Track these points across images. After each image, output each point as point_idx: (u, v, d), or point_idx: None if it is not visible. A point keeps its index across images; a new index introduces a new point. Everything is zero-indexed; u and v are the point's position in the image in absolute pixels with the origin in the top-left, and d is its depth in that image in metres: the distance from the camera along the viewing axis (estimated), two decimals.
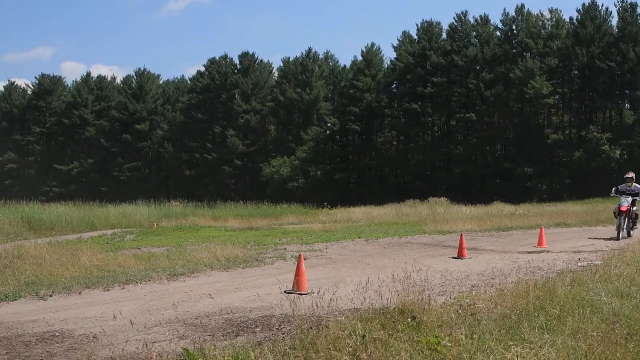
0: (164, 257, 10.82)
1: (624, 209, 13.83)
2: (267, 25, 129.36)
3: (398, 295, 5.39)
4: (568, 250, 11.31)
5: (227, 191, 55.48)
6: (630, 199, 14.06)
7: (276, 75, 64.87)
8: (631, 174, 14.86)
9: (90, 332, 5.16)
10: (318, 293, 6.13)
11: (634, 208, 14.17)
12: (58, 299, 7.18)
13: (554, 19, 53.52)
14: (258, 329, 5.31)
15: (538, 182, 49.69)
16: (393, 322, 4.64)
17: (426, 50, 54.44)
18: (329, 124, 59.32)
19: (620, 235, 13.62)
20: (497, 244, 13.13)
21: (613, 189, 14.77)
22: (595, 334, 4.05)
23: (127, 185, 62.13)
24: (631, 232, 14.10)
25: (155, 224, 22.27)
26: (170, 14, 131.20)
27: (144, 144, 65.84)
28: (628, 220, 13.96)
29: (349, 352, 3.90)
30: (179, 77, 79.34)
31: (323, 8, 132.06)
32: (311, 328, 4.50)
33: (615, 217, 14.27)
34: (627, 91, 50.02)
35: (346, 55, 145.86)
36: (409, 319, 4.69)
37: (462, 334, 4.17)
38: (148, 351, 4.04)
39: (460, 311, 5.08)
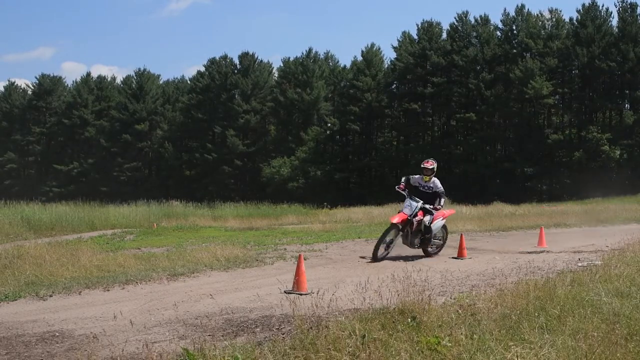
0: (164, 257, 10.81)
1: (395, 220, 9.89)
2: (267, 25, 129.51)
3: (398, 295, 5.39)
4: (568, 250, 11.29)
5: (227, 191, 55.49)
6: (419, 204, 10.04)
7: (276, 76, 64.91)
8: (431, 164, 10.46)
9: (91, 332, 5.16)
10: (318, 293, 6.13)
11: (426, 218, 10.06)
12: (58, 299, 7.17)
13: (554, 19, 53.59)
14: (258, 329, 5.31)
15: (538, 182, 49.74)
16: (393, 322, 4.63)
17: (426, 50, 54.49)
18: (329, 124, 59.33)
19: (379, 253, 9.77)
20: (497, 244, 13.12)
21: (403, 179, 10.59)
22: (595, 334, 4.04)
23: (127, 185, 62.16)
24: (433, 253, 10.44)
25: (155, 224, 22.25)
26: (172, 14, 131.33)
27: (144, 144, 65.88)
28: (414, 234, 10.06)
29: (349, 352, 3.90)
30: (179, 77, 79.55)
31: (323, 8, 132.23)
32: (311, 328, 4.50)
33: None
34: (627, 91, 50.09)
35: (346, 55, 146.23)
36: (409, 319, 4.69)
37: (462, 334, 4.17)
38: (148, 351, 4.04)
39: (460, 311, 5.08)
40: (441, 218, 10.57)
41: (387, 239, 9.86)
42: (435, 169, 10.42)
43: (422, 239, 10.28)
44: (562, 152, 49.73)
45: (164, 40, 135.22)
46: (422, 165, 10.53)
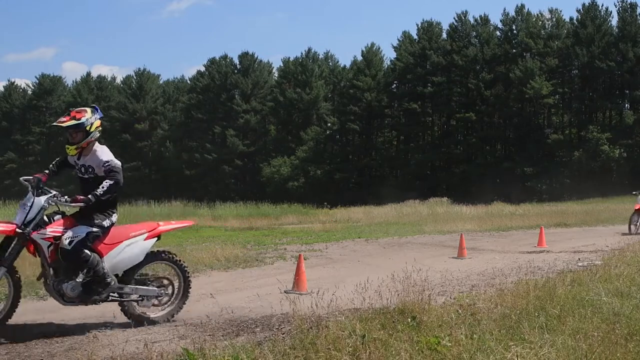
0: None
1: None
2: (267, 25, 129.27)
3: (398, 295, 5.38)
4: (568, 250, 11.30)
5: (227, 191, 55.49)
6: (45, 197, 5.41)
7: (276, 75, 64.94)
8: (73, 115, 5.34)
9: (90, 332, 5.16)
10: (318, 293, 6.12)
11: (69, 234, 5.06)
12: None
13: (554, 19, 53.62)
14: (258, 329, 5.31)
15: (538, 182, 49.73)
16: (393, 322, 4.63)
17: (426, 50, 54.51)
18: (329, 124, 59.35)
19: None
20: (497, 244, 13.14)
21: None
22: (595, 334, 4.04)
23: (127, 185, 62.00)
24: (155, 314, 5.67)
25: None
26: (173, 15, 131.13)
27: (144, 144, 65.86)
28: (57, 271, 5.11)
29: (349, 352, 3.90)
30: (179, 77, 79.49)
31: (323, 8, 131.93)
32: (311, 328, 4.50)
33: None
34: (627, 91, 50.15)
35: (346, 55, 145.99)
36: (409, 319, 4.69)
37: (462, 334, 4.16)
38: (148, 351, 4.03)
39: (460, 311, 5.08)
40: (143, 236, 5.52)
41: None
42: (88, 124, 5.29)
43: (87, 282, 5.16)
44: (562, 152, 49.78)
45: (164, 40, 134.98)
46: (54, 124, 5.41)
